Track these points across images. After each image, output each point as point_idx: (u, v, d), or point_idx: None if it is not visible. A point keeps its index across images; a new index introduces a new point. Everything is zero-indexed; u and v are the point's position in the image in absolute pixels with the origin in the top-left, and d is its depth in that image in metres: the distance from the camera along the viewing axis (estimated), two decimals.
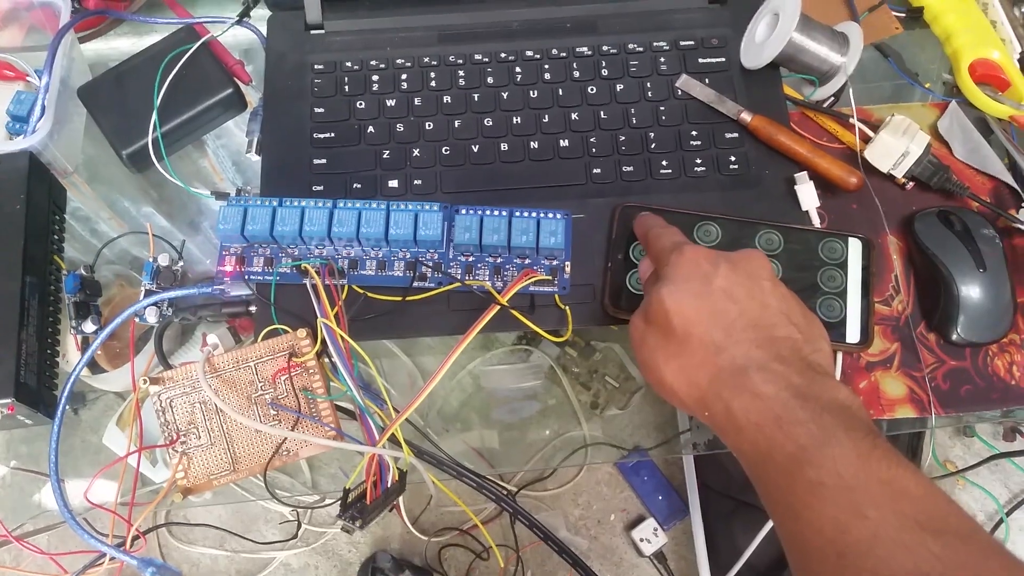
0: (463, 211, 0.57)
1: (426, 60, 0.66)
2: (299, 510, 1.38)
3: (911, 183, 0.63)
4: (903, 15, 0.69)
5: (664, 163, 0.62)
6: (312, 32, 0.67)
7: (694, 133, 0.63)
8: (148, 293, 0.58)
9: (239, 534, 1.33)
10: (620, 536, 1.43)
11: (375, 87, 0.65)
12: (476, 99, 0.64)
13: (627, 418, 0.66)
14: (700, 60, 0.66)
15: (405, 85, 0.65)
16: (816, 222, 0.61)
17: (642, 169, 0.62)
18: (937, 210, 0.61)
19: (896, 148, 0.60)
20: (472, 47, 0.66)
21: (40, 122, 0.60)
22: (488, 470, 0.63)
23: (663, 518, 1.41)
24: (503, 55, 0.66)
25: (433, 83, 0.65)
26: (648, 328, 0.47)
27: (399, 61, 0.66)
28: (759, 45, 0.63)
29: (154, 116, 0.62)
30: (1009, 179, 0.63)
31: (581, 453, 0.65)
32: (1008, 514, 1.42)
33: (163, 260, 0.60)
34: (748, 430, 0.42)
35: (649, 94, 0.65)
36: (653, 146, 0.63)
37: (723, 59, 0.66)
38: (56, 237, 0.62)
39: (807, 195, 0.61)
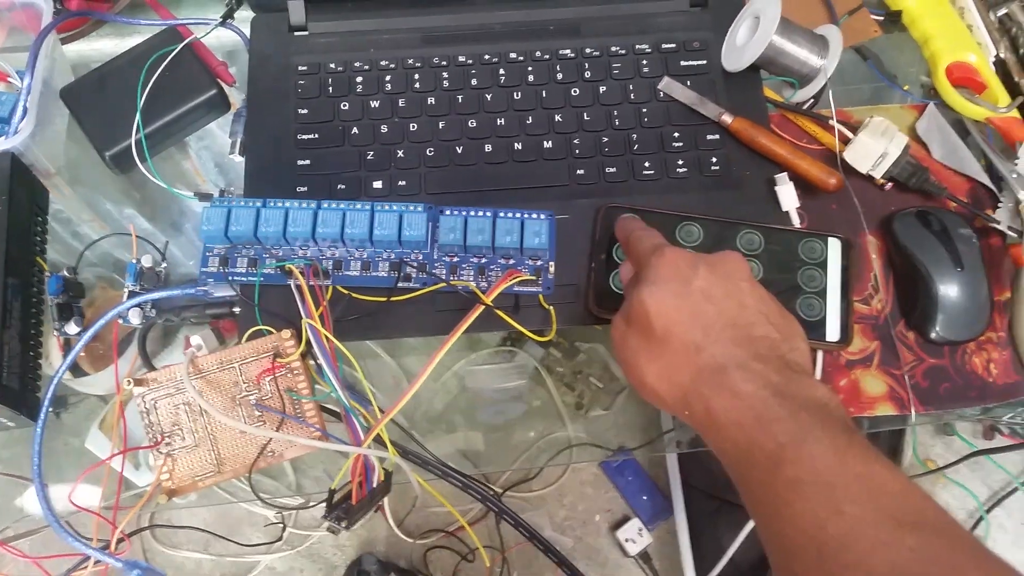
0: (448, 212, 0.57)
1: (410, 62, 0.66)
2: (284, 513, 1.38)
3: (890, 184, 0.63)
4: (882, 18, 0.70)
5: (647, 164, 0.63)
6: (296, 34, 0.68)
7: (676, 135, 0.64)
8: (131, 294, 0.58)
9: (224, 536, 1.32)
10: (605, 536, 1.44)
11: (359, 88, 0.65)
12: (460, 100, 0.65)
13: (611, 418, 0.66)
14: (682, 63, 0.66)
15: (389, 86, 0.65)
16: (796, 222, 0.61)
17: (625, 170, 0.63)
18: (915, 210, 0.62)
19: (875, 149, 0.61)
20: (456, 49, 0.66)
21: (22, 123, 0.60)
22: (473, 471, 0.63)
23: (648, 518, 1.41)
24: (487, 57, 0.66)
25: (417, 84, 0.65)
26: (629, 329, 0.48)
27: (383, 62, 0.66)
28: (740, 48, 0.64)
29: (137, 117, 0.62)
30: (985, 180, 0.64)
31: (566, 454, 0.65)
32: (988, 511, 1.44)
33: (146, 261, 0.60)
34: (728, 428, 0.42)
35: (632, 96, 0.65)
36: (636, 147, 0.63)
37: (704, 62, 0.66)
38: (38, 239, 0.61)
39: (787, 196, 0.61)
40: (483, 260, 0.58)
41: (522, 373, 0.67)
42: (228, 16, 0.68)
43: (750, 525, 1.11)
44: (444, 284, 0.57)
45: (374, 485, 0.53)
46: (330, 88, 0.65)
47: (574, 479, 1.46)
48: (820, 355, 0.59)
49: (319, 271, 0.57)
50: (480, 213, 0.57)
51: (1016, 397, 0.60)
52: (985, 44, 0.67)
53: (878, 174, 0.62)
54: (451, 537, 1.39)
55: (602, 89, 0.65)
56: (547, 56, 0.66)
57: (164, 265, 0.61)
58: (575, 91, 0.65)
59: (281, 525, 1.39)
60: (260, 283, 0.57)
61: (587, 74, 0.66)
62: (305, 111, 0.64)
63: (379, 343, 0.65)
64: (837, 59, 0.63)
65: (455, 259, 0.58)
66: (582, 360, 0.67)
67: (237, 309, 0.59)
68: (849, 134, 0.63)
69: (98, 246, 0.64)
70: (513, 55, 0.66)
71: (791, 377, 0.43)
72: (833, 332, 0.58)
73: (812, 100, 0.65)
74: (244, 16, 0.69)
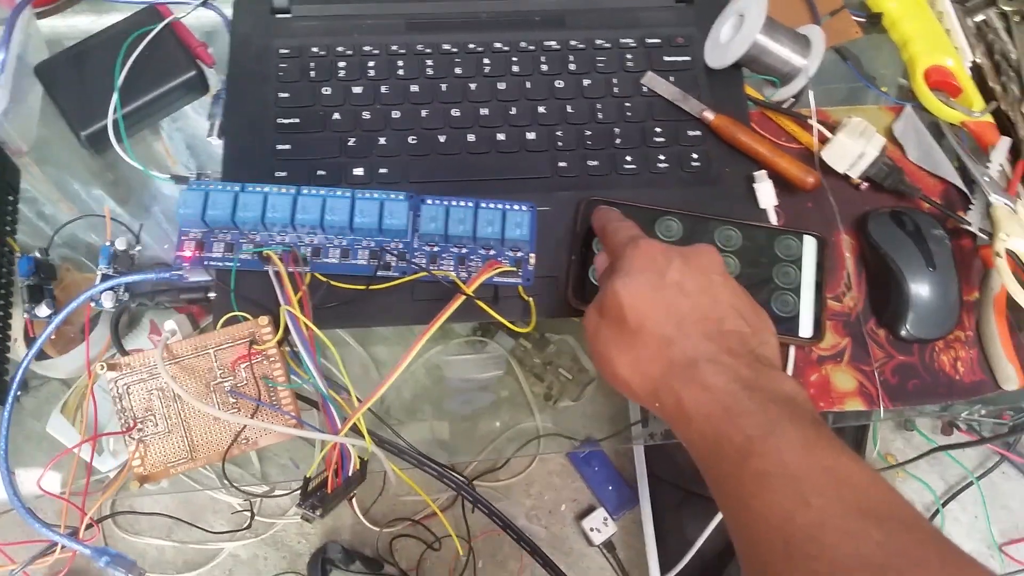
0: (429, 201, 0.57)
1: (394, 48, 0.65)
2: (251, 500, 1.37)
3: (865, 183, 0.64)
4: (863, 20, 0.71)
5: (628, 158, 0.63)
6: (278, 16, 0.67)
7: (658, 130, 0.64)
8: (105, 277, 0.57)
9: (191, 523, 1.31)
10: (570, 526, 1.45)
11: (341, 73, 0.64)
12: (443, 89, 0.64)
13: (579, 409, 0.66)
14: (665, 58, 0.66)
15: (372, 73, 0.65)
16: (773, 220, 0.62)
17: (607, 164, 0.63)
18: (890, 210, 0.63)
19: (853, 149, 0.62)
20: (440, 37, 0.66)
21: None
22: (443, 460, 0.63)
23: (613, 508, 1.43)
24: (471, 46, 0.66)
25: (400, 72, 0.65)
26: (602, 320, 0.48)
27: (366, 48, 0.65)
28: (724, 45, 0.65)
29: (115, 97, 0.61)
30: (958, 182, 0.65)
31: (534, 444, 0.65)
32: (944, 505, 1.47)
33: (120, 244, 0.58)
34: (698, 421, 0.43)
35: (615, 90, 0.65)
36: (618, 141, 0.64)
37: (688, 58, 0.67)
38: (9, 219, 0.60)
39: (765, 193, 0.62)
40: (464, 250, 0.58)
41: (499, 363, 0.67)
42: None
43: (717, 518, 1.13)
44: (425, 273, 0.57)
45: (349, 474, 0.53)
46: (312, 72, 0.64)
47: (541, 469, 1.47)
48: (792, 350, 0.60)
49: (298, 258, 0.57)
50: (462, 203, 0.57)
51: (981, 395, 0.61)
52: (962, 49, 0.69)
53: (854, 174, 0.63)
54: (417, 526, 1.40)
55: (586, 82, 0.65)
56: (532, 47, 0.66)
57: (138, 248, 0.60)
58: (559, 83, 0.65)
59: (249, 513, 1.38)
60: (236, 268, 0.56)
61: (571, 66, 0.66)
62: (286, 95, 0.64)
63: (348, 331, 0.65)
64: (819, 59, 0.63)
65: (435, 248, 0.58)
66: (552, 351, 0.67)
67: (212, 294, 0.58)
68: (828, 134, 0.64)
69: (63, 227, 0.63)
70: (498, 45, 0.66)
71: (761, 371, 0.44)
72: (806, 328, 0.58)
73: (792, 99, 0.66)
74: None
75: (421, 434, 0.62)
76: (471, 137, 0.63)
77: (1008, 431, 1.11)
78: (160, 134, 0.69)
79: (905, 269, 0.60)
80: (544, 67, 0.66)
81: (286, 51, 0.65)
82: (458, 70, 0.65)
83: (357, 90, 0.64)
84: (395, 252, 0.58)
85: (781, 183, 0.63)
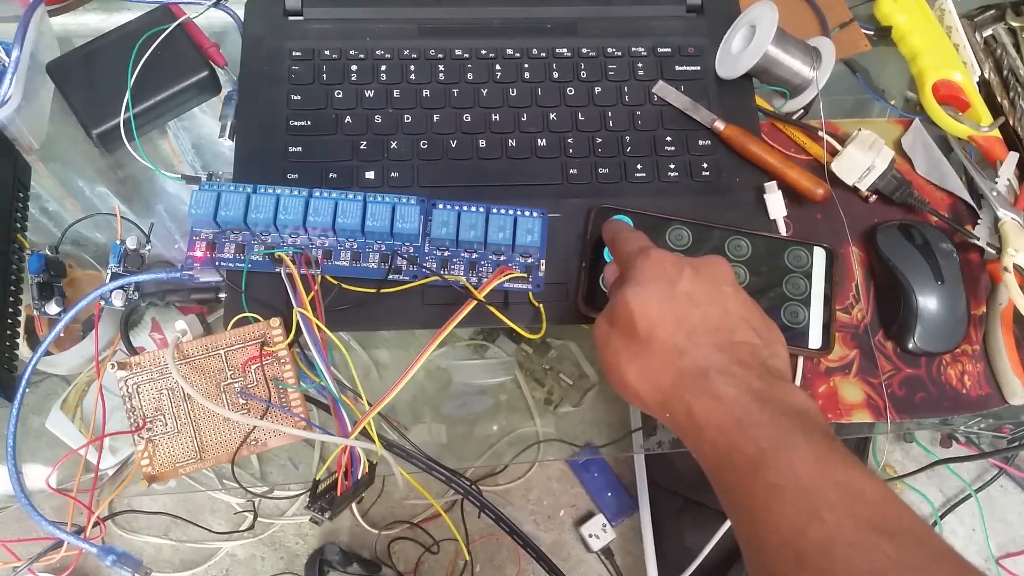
0: (441, 205, 0.57)
1: (406, 53, 0.66)
2: (254, 501, 1.37)
3: (874, 196, 0.65)
4: (872, 33, 0.71)
5: (639, 167, 0.63)
6: (291, 18, 0.67)
7: (668, 139, 0.64)
8: (115, 276, 0.57)
9: (193, 522, 1.30)
10: (569, 531, 1.45)
11: (354, 77, 0.65)
12: (455, 94, 0.65)
13: (580, 415, 0.66)
14: (676, 67, 0.67)
15: (384, 76, 0.65)
16: (783, 231, 0.62)
17: (617, 171, 0.63)
18: (898, 223, 0.63)
19: (862, 162, 0.62)
20: (452, 42, 0.66)
21: (8, 96, 0.58)
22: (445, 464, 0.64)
23: (612, 514, 1.43)
24: (483, 52, 0.66)
25: (412, 76, 0.65)
26: (612, 330, 0.48)
27: (379, 52, 0.65)
28: (735, 56, 0.65)
29: (127, 96, 0.61)
30: (966, 196, 0.66)
31: (533, 449, 0.65)
32: (942, 517, 1.48)
33: (131, 243, 0.59)
34: (709, 432, 0.43)
35: (626, 98, 0.65)
36: (629, 149, 0.64)
37: (699, 67, 0.67)
38: (20, 215, 0.60)
39: (775, 204, 0.62)
40: (474, 255, 0.58)
41: (503, 369, 0.67)
42: None
43: (719, 528, 1.13)
44: (437, 278, 0.57)
45: (359, 477, 0.53)
46: (324, 75, 0.64)
47: (540, 474, 1.47)
48: (800, 361, 0.60)
49: (311, 260, 0.57)
50: (473, 208, 0.57)
51: (988, 409, 0.62)
52: (970, 63, 0.69)
53: (863, 186, 0.63)
54: (416, 528, 1.39)
55: (597, 90, 0.66)
56: (543, 54, 0.66)
57: (149, 247, 0.60)
58: (570, 90, 0.65)
59: (249, 513, 1.37)
60: (247, 270, 0.56)
61: (583, 74, 0.66)
62: (298, 97, 0.64)
63: (351, 333, 0.65)
64: (829, 71, 0.64)
65: (446, 253, 0.58)
66: (553, 356, 0.67)
67: (223, 295, 0.58)
68: (837, 146, 0.64)
69: (65, 224, 0.63)
70: (510, 51, 0.66)
71: (772, 383, 0.44)
72: (815, 339, 0.59)
73: (802, 111, 0.66)
74: None
75: (420, 437, 0.62)
76: (482, 142, 0.63)
77: (1009, 445, 1.11)
78: (167, 134, 0.69)
79: (913, 282, 0.60)
80: (555, 74, 0.66)
81: (298, 53, 0.65)
82: (470, 75, 0.65)
83: (369, 94, 0.64)
84: (406, 256, 0.58)
85: (791, 194, 0.63)
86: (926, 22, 0.70)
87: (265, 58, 0.65)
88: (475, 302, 0.54)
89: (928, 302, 0.60)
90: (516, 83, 0.65)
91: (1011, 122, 0.67)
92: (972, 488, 1.48)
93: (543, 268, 0.58)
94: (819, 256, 0.60)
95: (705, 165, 0.64)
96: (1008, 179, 0.65)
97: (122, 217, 0.60)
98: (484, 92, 0.65)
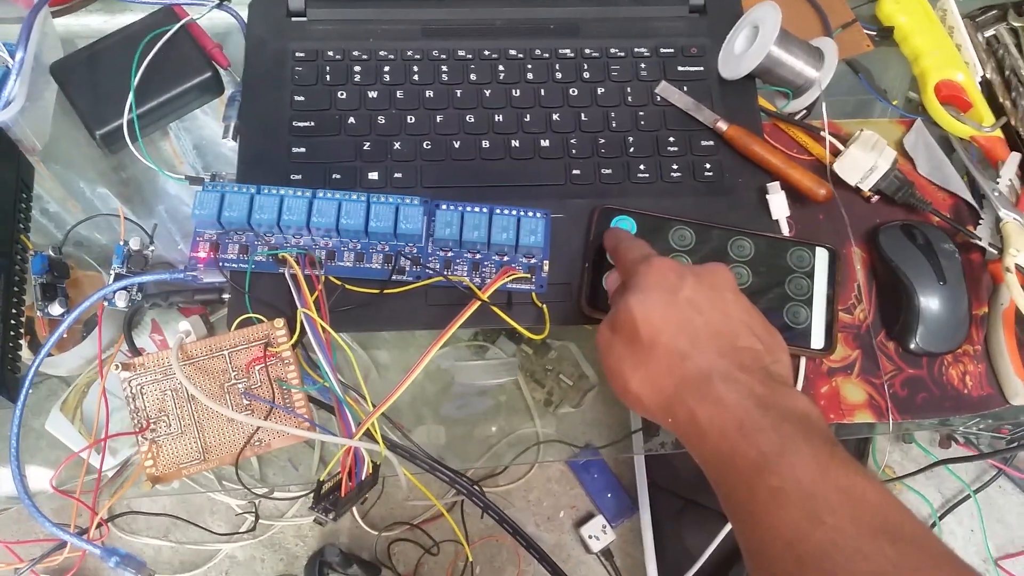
0: (444, 206, 0.57)
1: (409, 53, 0.66)
2: (255, 502, 1.36)
3: (876, 196, 0.65)
4: (874, 33, 0.71)
5: (642, 167, 0.63)
6: (294, 19, 0.67)
7: (671, 139, 0.64)
8: (118, 277, 0.57)
9: (193, 523, 1.30)
10: (569, 532, 1.45)
11: (357, 78, 0.65)
12: (458, 95, 0.65)
13: (580, 416, 0.66)
14: (679, 68, 0.67)
15: (387, 77, 0.65)
16: (786, 231, 0.63)
17: (620, 172, 0.63)
18: (900, 223, 0.63)
19: (864, 162, 0.62)
20: (456, 43, 0.66)
21: (12, 98, 0.58)
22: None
23: (612, 515, 1.43)
24: (486, 53, 0.66)
25: (416, 77, 0.65)
26: (615, 336, 0.48)
27: (382, 53, 0.65)
28: (737, 56, 0.65)
29: (131, 97, 0.61)
30: (968, 196, 0.66)
31: (533, 450, 0.65)
32: (940, 518, 1.48)
33: (134, 244, 0.58)
34: (712, 436, 0.43)
35: (629, 99, 0.66)
36: (632, 150, 0.64)
37: (701, 68, 0.67)
38: (23, 216, 0.60)
39: (778, 205, 0.62)
40: (477, 256, 0.58)
41: (499, 369, 0.67)
42: None
43: (720, 530, 1.13)
44: (441, 279, 0.57)
45: (363, 478, 0.53)
46: (327, 76, 0.64)
47: (540, 475, 1.47)
48: (803, 362, 0.60)
49: (314, 261, 0.57)
50: (477, 209, 0.57)
51: (989, 409, 0.62)
52: (973, 64, 0.69)
53: (866, 187, 0.64)
54: (416, 530, 1.39)
55: (600, 90, 0.66)
56: (546, 55, 0.66)
57: (152, 248, 0.60)
58: (573, 91, 0.65)
59: (250, 515, 1.37)
60: (251, 270, 0.56)
61: (585, 75, 0.66)
62: (301, 98, 0.64)
63: (351, 334, 0.65)
64: (832, 72, 0.64)
65: (449, 254, 0.58)
66: (553, 357, 0.67)
67: (226, 295, 0.58)
68: (839, 146, 0.64)
69: (65, 224, 0.63)
70: (513, 52, 0.66)
71: (774, 388, 0.44)
72: (818, 340, 0.59)
73: (805, 111, 0.66)
74: None
75: (420, 438, 0.62)
76: (485, 143, 0.63)
77: (1008, 446, 1.11)
78: (170, 135, 0.69)
79: (915, 282, 0.60)
80: (558, 75, 0.66)
81: (302, 54, 0.65)
82: (473, 76, 0.65)
83: (372, 94, 0.64)
84: (410, 257, 0.58)
85: (793, 194, 0.63)
86: (928, 22, 0.70)
87: (268, 59, 0.65)
88: (479, 303, 0.54)
89: (930, 302, 0.60)
90: (519, 84, 0.65)
91: (1013, 122, 0.67)
92: (971, 489, 1.49)
93: (546, 269, 0.58)
94: (821, 256, 0.60)
95: (708, 165, 0.64)
96: (1010, 179, 0.65)
97: (125, 218, 0.60)
98: (487, 93, 0.65)
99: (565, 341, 0.67)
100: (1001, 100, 0.68)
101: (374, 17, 0.67)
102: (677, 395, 0.45)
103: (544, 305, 0.58)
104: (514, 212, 0.57)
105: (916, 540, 0.37)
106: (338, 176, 0.62)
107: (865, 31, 0.71)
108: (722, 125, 0.64)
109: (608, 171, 0.63)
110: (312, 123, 0.63)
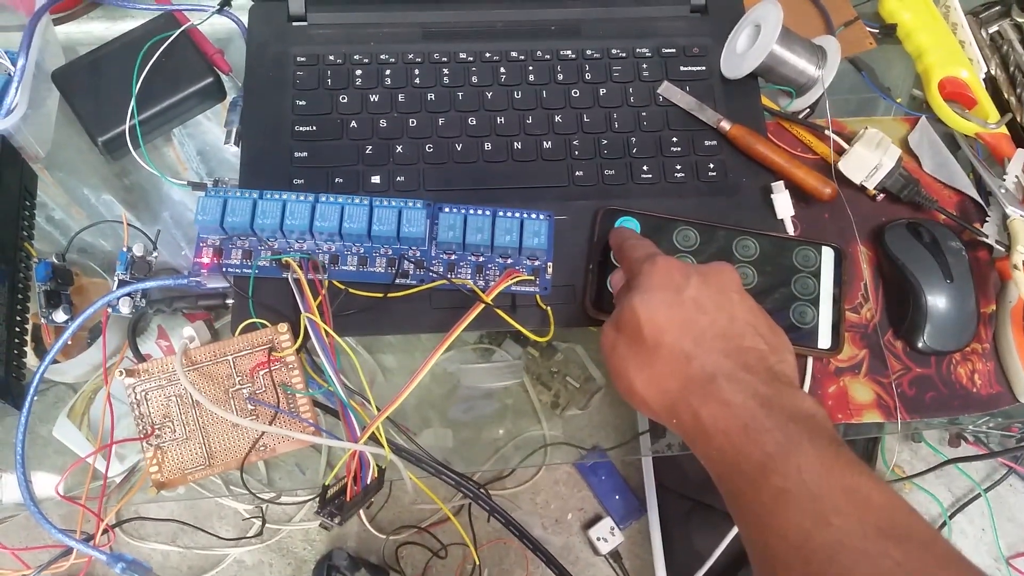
0: (447, 209, 0.57)
1: (410, 57, 0.66)
2: (262, 507, 1.36)
3: (881, 195, 0.64)
4: (877, 31, 0.71)
5: (645, 168, 0.63)
6: (295, 24, 0.67)
7: (674, 139, 0.64)
8: (122, 283, 0.57)
9: (202, 528, 1.30)
10: (577, 535, 1.44)
11: (358, 82, 0.65)
12: (460, 98, 0.65)
13: (587, 418, 0.66)
14: (681, 68, 0.67)
15: (389, 81, 0.65)
16: (791, 230, 0.62)
17: (623, 173, 0.63)
18: (906, 221, 0.63)
19: (869, 161, 0.62)
20: (457, 46, 0.66)
21: (14, 105, 0.59)
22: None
23: (620, 517, 1.42)
24: (488, 55, 0.66)
25: (417, 80, 0.65)
26: (619, 336, 0.48)
27: (383, 57, 0.65)
28: (740, 55, 0.65)
29: (132, 103, 0.61)
30: (974, 194, 0.65)
31: (540, 453, 0.65)
32: (951, 517, 1.47)
33: (137, 250, 0.59)
34: (716, 437, 0.43)
35: (631, 99, 0.65)
36: (634, 151, 0.64)
37: (703, 68, 0.67)
38: (27, 224, 0.60)
39: (783, 204, 0.62)
40: (481, 259, 0.58)
41: (505, 372, 0.67)
42: (226, 3, 0.67)
43: (729, 532, 1.12)
44: (444, 282, 0.57)
45: (368, 482, 0.53)
46: (329, 80, 0.64)
47: (548, 477, 1.47)
48: (810, 362, 0.60)
49: (318, 265, 0.57)
50: (480, 212, 0.57)
51: (998, 407, 0.61)
52: (976, 60, 0.69)
53: (871, 185, 0.63)
54: (423, 533, 1.39)
55: (602, 91, 0.65)
56: (548, 56, 0.66)
57: (155, 254, 0.60)
58: (575, 92, 0.65)
59: (258, 520, 1.37)
60: (255, 275, 0.56)
61: (587, 76, 0.66)
62: (303, 103, 0.64)
63: (356, 338, 0.65)
64: (835, 70, 0.63)
65: (453, 257, 0.58)
66: (559, 359, 0.67)
67: (230, 301, 0.58)
68: (844, 144, 0.64)
69: (69, 231, 0.63)
70: (514, 54, 0.66)
71: (779, 389, 0.44)
72: (824, 339, 0.58)
73: (808, 110, 0.66)
74: (242, 3, 0.68)
75: (426, 441, 0.62)
76: (488, 145, 0.63)
77: (1018, 444, 1.11)
78: (172, 141, 0.69)
79: (922, 281, 0.60)
80: (560, 76, 0.66)
81: (303, 59, 0.65)
82: (475, 79, 0.65)
83: (374, 98, 0.64)
84: (413, 260, 0.58)
85: (797, 193, 0.63)
86: (931, 19, 0.70)
87: (270, 64, 0.65)
88: (483, 305, 0.54)
89: (937, 301, 0.60)
90: (521, 85, 0.65)
91: (1018, 118, 0.67)
92: (981, 488, 1.48)
93: (550, 271, 0.58)
94: (827, 256, 0.60)
95: (711, 165, 0.64)
96: (1016, 176, 0.65)
97: (128, 224, 0.60)
98: (489, 95, 0.65)
99: (571, 343, 0.67)
100: (1006, 96, 0.68)
101: (375, 20, 0.67)
102: (682, 396, 0.45)
103: (548, 307, 0.58)
104: (517, 214, 0.57)
105: (922, 541, 0.37)
106: (340, 180, 0.62)
107: (868, 28, 0.71)
108: (725, 125, 0.63)
109: (611, 172, 0.63)
110: (314, 127, 0.63)
